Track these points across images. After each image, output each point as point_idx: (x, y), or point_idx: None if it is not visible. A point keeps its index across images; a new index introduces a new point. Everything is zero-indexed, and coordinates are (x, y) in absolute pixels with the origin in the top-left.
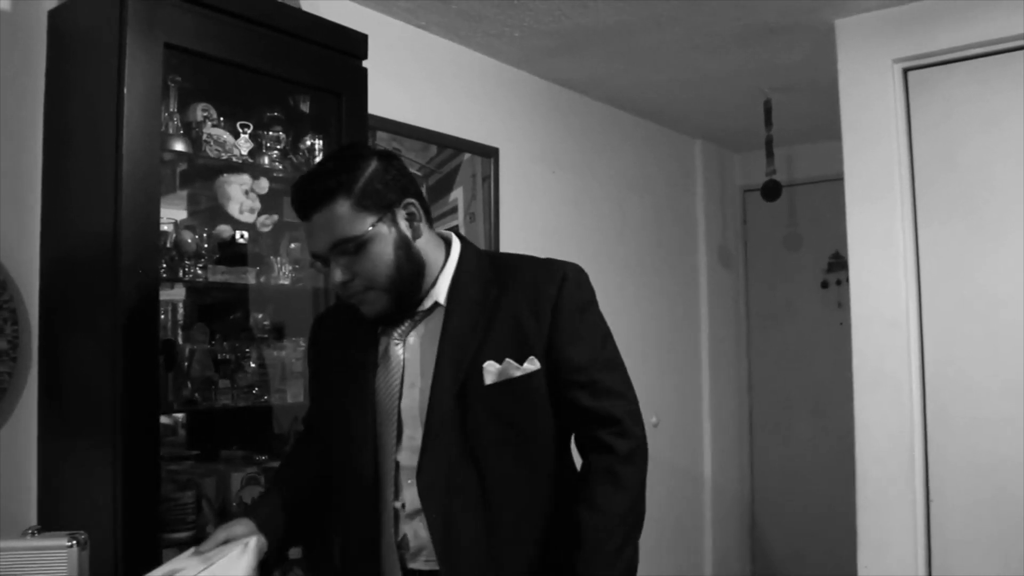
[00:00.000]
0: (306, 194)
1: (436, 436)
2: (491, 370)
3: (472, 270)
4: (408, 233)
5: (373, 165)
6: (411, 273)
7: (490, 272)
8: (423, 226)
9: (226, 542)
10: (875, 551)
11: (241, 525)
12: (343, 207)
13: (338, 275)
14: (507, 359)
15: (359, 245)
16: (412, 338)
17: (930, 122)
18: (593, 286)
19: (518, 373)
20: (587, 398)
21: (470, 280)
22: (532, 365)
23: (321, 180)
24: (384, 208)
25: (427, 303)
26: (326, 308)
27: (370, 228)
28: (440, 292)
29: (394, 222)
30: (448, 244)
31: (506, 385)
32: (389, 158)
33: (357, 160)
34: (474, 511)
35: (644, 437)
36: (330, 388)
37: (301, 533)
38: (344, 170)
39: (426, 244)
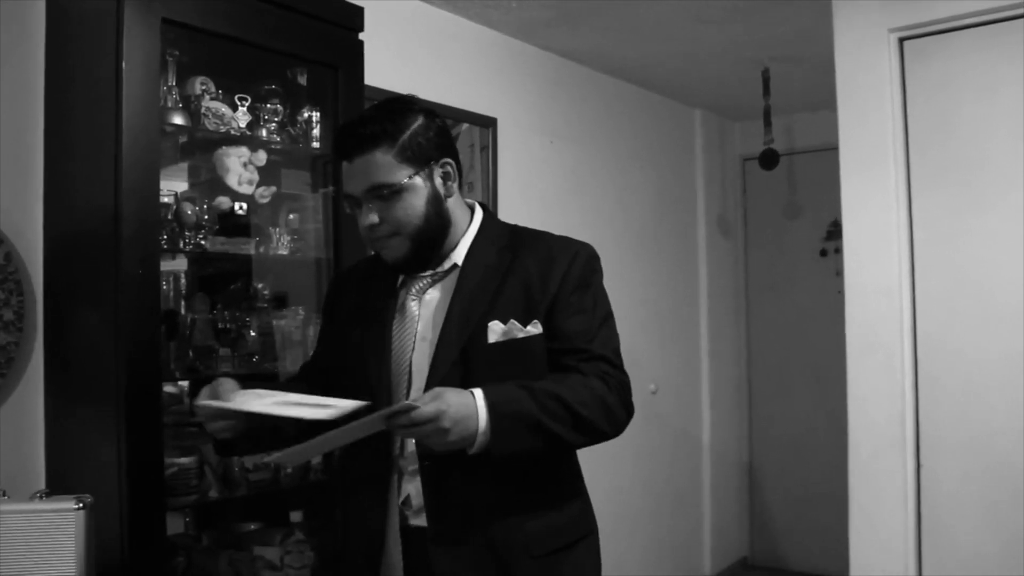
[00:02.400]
0: (351, 137)
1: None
2: (495, 329)
3: (491, 236)
4: (441, 191)
5: (419, 120)
6: (437, 228)
7: (508, 239)
8: (455, 186)
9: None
10: (866, 516)
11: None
12: (385, 154)
13: (369, 217)
14: (512, 320)
15: (393, 192)
16: (428, 295)
17: (925, 91)
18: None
19: (521, 335)
20: (577, 364)
21: (488, 245)
22: (535, 329)
23: (368, 125)
24: (423, 163)
25: (447, 264)
26: (345, 268)
27: (407, 179)
28: (459, 254)
29: (430, 177)
30: (472, 211)
31: (508, 345)
32: (433, 116)
33: (405, 113)
34: (467, 467)
35: (630, 400)
36: (347, 339)
37: (275, 436)
38: (390, 120)
39: (455, 205)
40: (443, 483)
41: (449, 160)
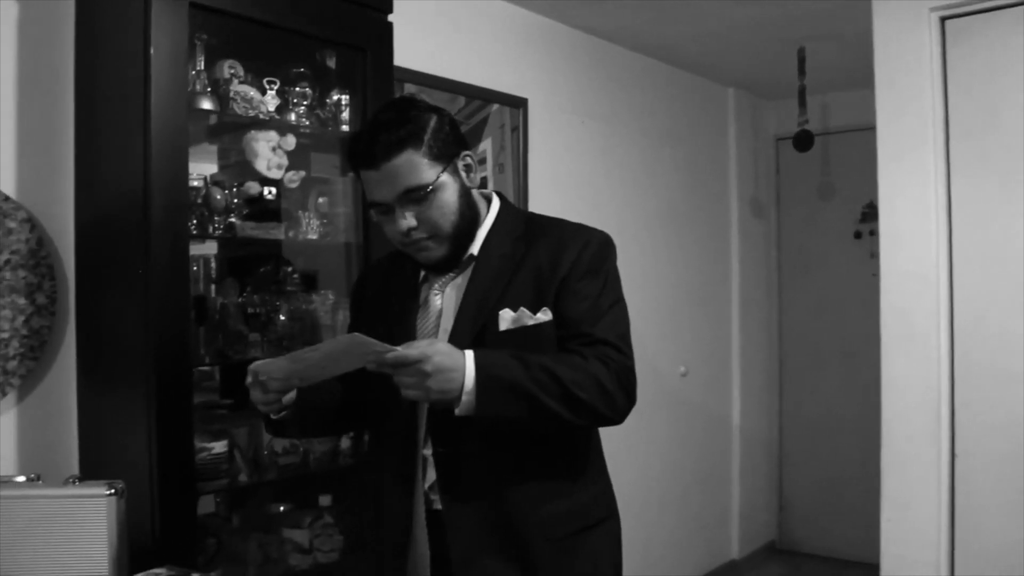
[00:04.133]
0: (374, 144)
1: None
2: (506, 317)
3: (507, 227)
4: (467, 183)
5: (433, 117)
6: (471, 220)
7: (523, 229)
8: (476, 178)
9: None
10: (898, 505)
11: None
12: (415, 156)
13: (406, 222)
14: (522, 308)
15: (429, 193)
16: (449, 288)
17: (967, 73)
18: (617, 255)
19: (531, 322)
20: (579, 348)
21: (504, 235)
22: (545, 316)
23: (389, 130)
24: (448, 158)
25: (464, 256)
26: (369, 263)
27: (438, 177)
28: (476, 246)
29: (456, 172)
30: (489, 202)
31: (519, 332)
32: (441, 112)
33: (419, 112)
34: (480, 452)
35: (633, 386)
36: (373, 334)
37: (320, 420)
38: (408, 121)
39: (477, 196)
40: (456, 467)
41: (468, 152)
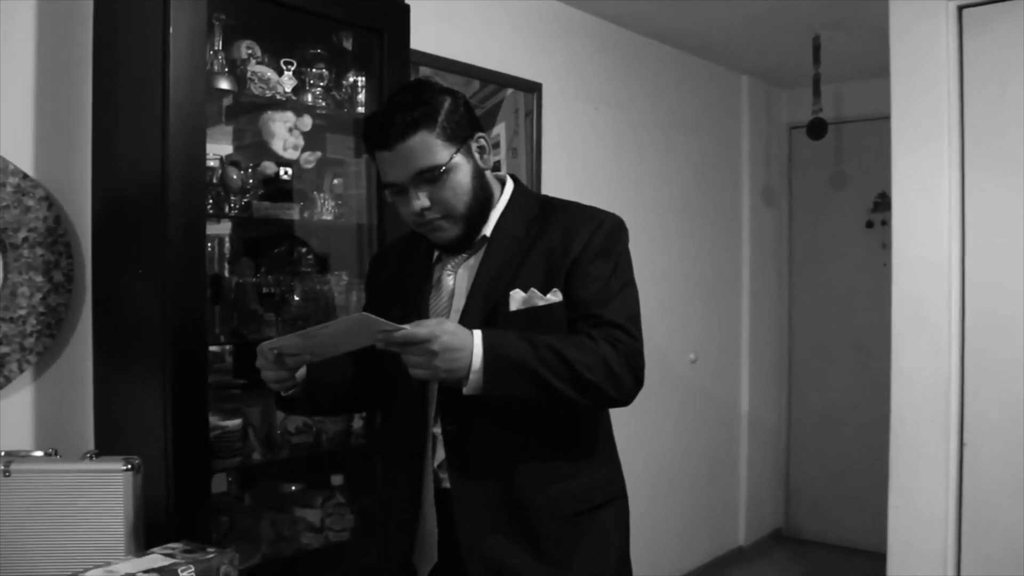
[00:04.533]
0: (388, 126)
1: None
2: (516, 297)
3: (520, 208)
4: (481, 165)
5: (448, 99)
6: (484, 201)
7: (537, 211)
8: (490, 160)
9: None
10: (906, 493)
11: None
12: (429, 137)
13: (420, 203)
14: (532, 289)
15: (442, 174)
16: (462, 269)
17: (984, 63)
18: (629, 238)
19: (541, 303)
20: (588, 330)
21: (517, 217)
22: (555, 297)
23: (403, 112)
24: (462, 140)
25: (478, 237)
26: (384, 245)
27: (452, 158)
28: (489, 227)
29: (470, 153)
30: (503, 184)
31: (530, 313)
32: (456, 94)
33: (433, 94)
34: (490, 431)
35: (641, 368)
36: (386, 316)
37: (331, 398)
38: (423, 103)
39: (490, 178)
40: (465, 446)
41: (482, 134)
